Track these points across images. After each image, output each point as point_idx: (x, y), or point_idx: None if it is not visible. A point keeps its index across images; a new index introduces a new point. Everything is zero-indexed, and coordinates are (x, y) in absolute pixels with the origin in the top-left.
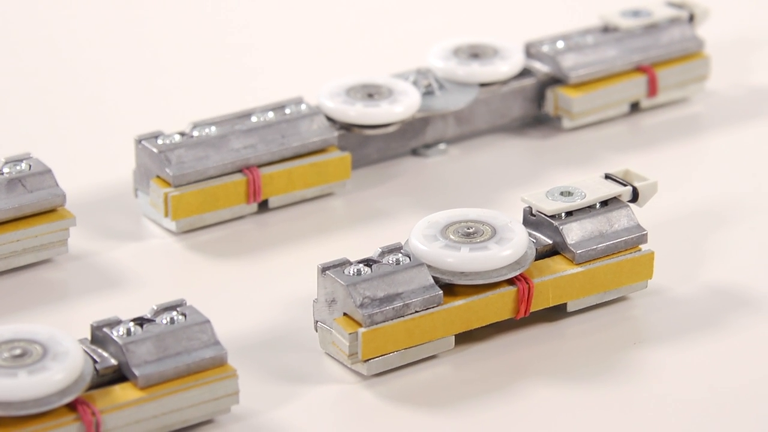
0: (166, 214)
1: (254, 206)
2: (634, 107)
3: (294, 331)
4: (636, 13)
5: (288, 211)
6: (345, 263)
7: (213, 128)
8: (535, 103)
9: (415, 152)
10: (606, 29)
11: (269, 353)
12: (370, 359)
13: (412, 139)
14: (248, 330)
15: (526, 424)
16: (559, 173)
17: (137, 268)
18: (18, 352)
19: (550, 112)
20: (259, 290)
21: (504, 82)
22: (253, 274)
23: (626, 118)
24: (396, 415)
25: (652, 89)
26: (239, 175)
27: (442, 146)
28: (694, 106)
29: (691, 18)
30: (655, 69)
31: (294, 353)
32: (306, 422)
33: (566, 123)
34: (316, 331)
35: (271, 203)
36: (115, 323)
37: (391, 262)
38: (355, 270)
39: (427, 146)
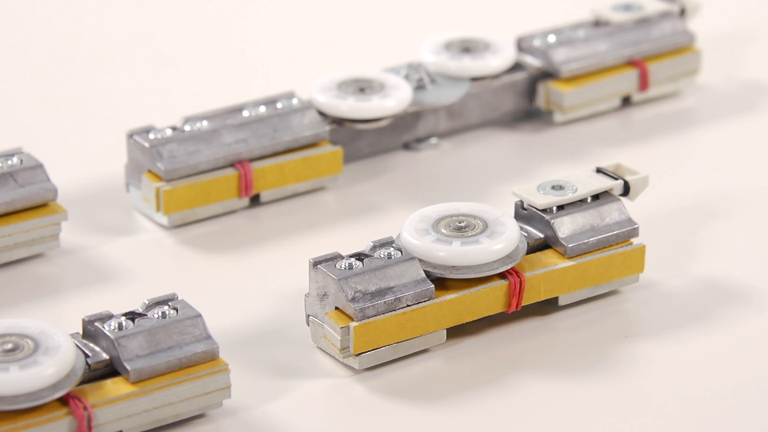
0: (158, 209)
1: (246, 200)
2: (626, 101)
3: (286, 325)
4: (627, 7)
5: (280, 205)
6: (336, 257)
7: (205, 123)
8: (527, 97)
9: (406, 146)
10: (597, 23)
11: (261, 347)
12: (362, 353)
13: (403, 133)
14: (240, 324)
15: (518, 418)
16: (550, 167)
17: (129, 262)
18: (9, 346)
19: (542, 106)
20: (250, 284)
21: (495, 77)
22: (245, 268)
23: (617, 112)
24: (387, 409)
25: (644, 83)
26: (231, 170)
27: (433, 140)
28: (686, 100)
29: (683, 12)
30: (646, 63)
31: (286, 347)
32: (298, 416)
33: (558, 117)
34: (308, 325)
35: (263, 197)
36: (106, 318)
37: (382, 256)
38: (347, 264)
39: (419, 140)
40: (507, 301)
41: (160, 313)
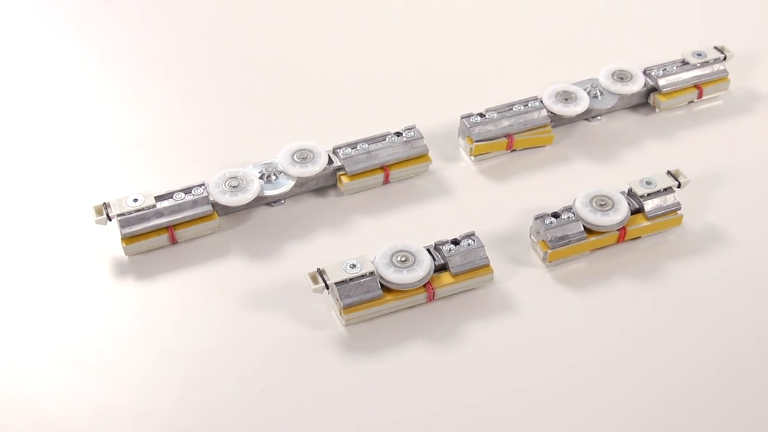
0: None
1: None
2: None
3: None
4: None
5: None
6: (545, 215)
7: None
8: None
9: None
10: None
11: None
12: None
13: None
14: None
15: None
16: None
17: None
18: (403, 258)
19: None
20: None
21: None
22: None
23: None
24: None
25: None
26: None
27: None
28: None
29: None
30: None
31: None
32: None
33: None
34: (530, 237)
35: None
36: (444, 243)
37: (566, 217)
38: (549, 221)
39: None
40: None
41: (467, 243)
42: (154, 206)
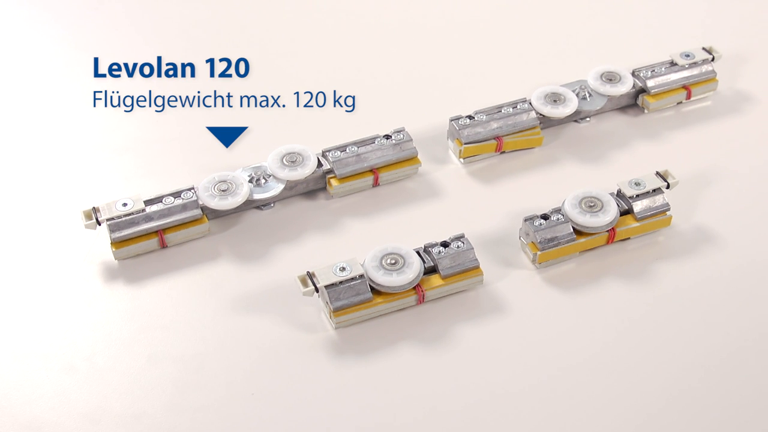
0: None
1: None
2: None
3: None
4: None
5: None
6: (534, 217)
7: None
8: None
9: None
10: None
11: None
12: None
13: None
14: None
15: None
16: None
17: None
18: (392, 261)
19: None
20: None
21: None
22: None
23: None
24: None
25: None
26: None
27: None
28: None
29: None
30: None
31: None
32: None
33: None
34: (519, 238)
35: None
36: (434, 245)
37: (556, 219)
38: (538, 223)
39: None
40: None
41: (456, 246)
42: (143, 210)
